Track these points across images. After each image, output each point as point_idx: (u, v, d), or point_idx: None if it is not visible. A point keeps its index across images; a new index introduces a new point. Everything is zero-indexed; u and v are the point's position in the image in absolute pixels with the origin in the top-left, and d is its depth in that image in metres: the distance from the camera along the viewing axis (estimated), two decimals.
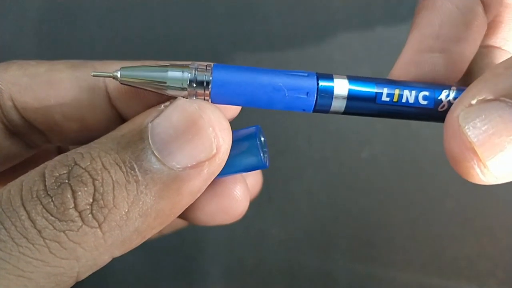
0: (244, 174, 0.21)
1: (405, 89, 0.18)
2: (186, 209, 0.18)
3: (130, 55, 0.20)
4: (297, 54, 0.40)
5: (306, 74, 0.18)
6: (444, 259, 0.39)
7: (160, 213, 0.17)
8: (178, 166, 0.16)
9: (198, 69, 0.17)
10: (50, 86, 0.19)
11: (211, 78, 0.17)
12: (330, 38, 0.40)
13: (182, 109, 0.17)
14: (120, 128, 0.18)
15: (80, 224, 0.16)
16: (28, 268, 0.15)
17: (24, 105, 0.19)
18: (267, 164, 0.19)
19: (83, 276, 0.17)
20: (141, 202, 0.16)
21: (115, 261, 0.17)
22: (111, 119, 0.20)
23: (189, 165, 0.17)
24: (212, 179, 0.18)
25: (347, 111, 0.18)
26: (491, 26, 0.22)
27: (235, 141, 0.18)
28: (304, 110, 0.18)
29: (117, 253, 0.17)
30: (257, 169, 0.19)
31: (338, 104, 0.18)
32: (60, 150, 0.25)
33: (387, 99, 0.18)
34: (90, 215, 0.16)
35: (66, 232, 0.15)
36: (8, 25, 0.39)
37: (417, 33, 0.20)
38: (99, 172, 0.16)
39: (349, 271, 0.39)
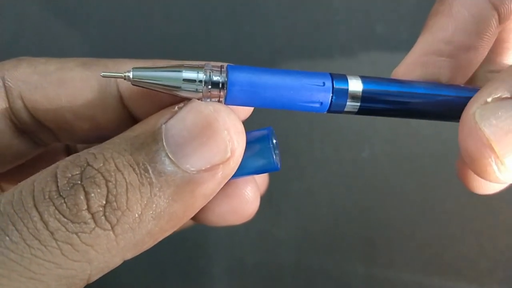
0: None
1: (419, 88, 0.18)
2: None
3: (130, 55, 0.19)
4: (297, 54, 0.40)
5: (320, 75, 0.18)
6: (444, 259, 0.39)
7: (173, 215, 0.17)
8: (192, 169, 0.16)
9: (213, 70, 0.17)
10: (61, 85, 0.19)
11: (226, 79, 0.17)
12: (330, 38, 0.40)
13: (197, 111, 0.17)
14: (133, 128, 0.17)
15: (93, 226, 0.15)
16: (39, 270, 0.15)
17: (34, 103, 0.19)
18: (279, 166, 0.19)
19: (94, 278, 0.16)
20: (154, 205, 0.16)
21: None
22: (123, 119, 0.20)
23: (204, 168, 0.16)
24: (226, 181, 0.18)
25: (361, 111, 0.18)
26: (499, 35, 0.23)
27: (248, 143, 0.18)
28: (318, 110, 0.18)
29: (129, 255, 0.17)
30: (269, 171, 0.19)
31: (352, 104, 0.18)
32: (69, 148, 0.25)
33: (400, 99, 0.18)
34: (103, 217, 0.15)
35: (79, 234, 0.15)
36: (8, 25, 0.39)
37: (429, 36, 0.21)
38: (113, 173, 0.16)
39: (349, 271, 0.39)
